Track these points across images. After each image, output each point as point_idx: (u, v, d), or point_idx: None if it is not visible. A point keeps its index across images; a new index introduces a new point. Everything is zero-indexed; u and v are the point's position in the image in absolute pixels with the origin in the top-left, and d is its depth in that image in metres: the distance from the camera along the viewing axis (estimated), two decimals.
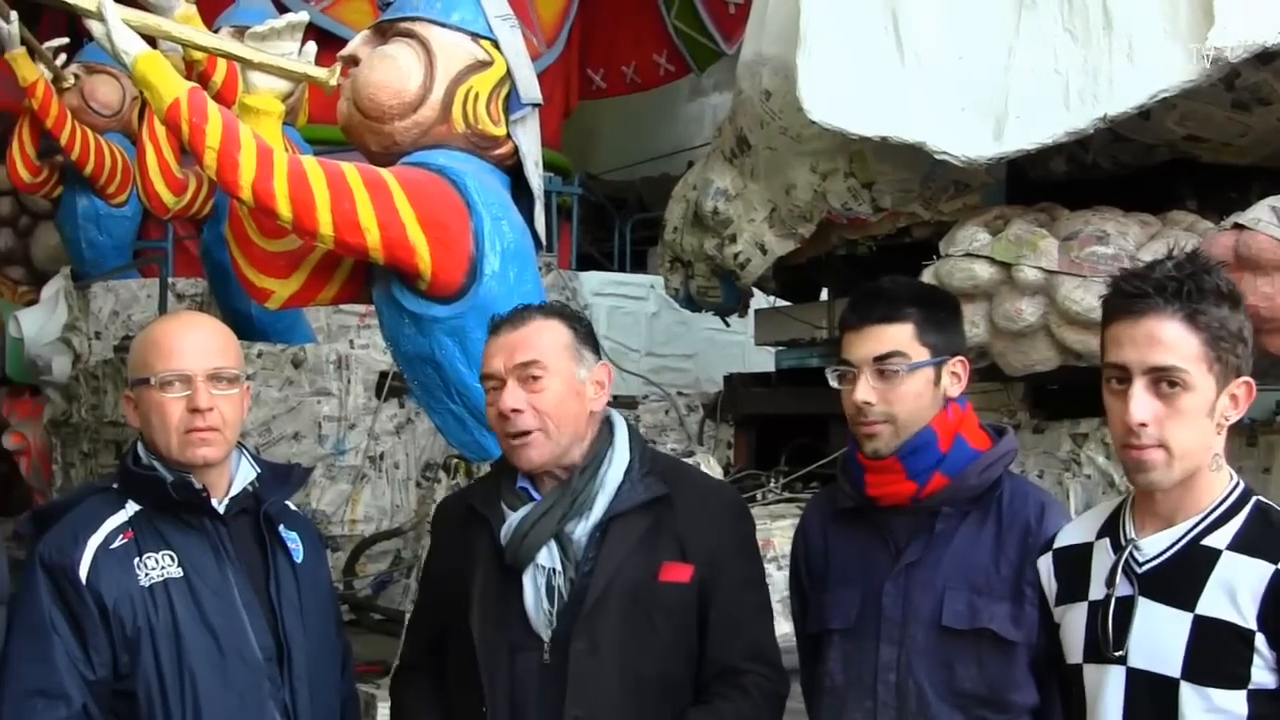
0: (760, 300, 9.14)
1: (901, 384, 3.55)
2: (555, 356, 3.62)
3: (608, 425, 3.75)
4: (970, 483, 3.57)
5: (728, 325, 9.75)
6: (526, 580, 3.56)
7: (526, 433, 3.58)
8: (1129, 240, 5.96)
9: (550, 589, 3.55)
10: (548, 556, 3.56)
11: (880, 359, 3.56)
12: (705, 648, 3.61)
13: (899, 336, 3.56)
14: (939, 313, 3.66)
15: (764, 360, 9.48)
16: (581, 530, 3.58)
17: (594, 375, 3.69)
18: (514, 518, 3.59)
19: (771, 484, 7.43)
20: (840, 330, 3.70)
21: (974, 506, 3.59)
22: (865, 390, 3.56)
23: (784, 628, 5.90)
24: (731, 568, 3.65)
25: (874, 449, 3.59)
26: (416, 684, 3.85)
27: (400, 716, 3.90)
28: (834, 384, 3.65)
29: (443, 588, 3.79)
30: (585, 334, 3.73)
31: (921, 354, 3.56)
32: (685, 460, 4.97)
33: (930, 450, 3.57)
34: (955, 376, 3.63)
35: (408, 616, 4.33)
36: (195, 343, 3.64)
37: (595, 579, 3.52)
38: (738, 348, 11.04)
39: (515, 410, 3.58)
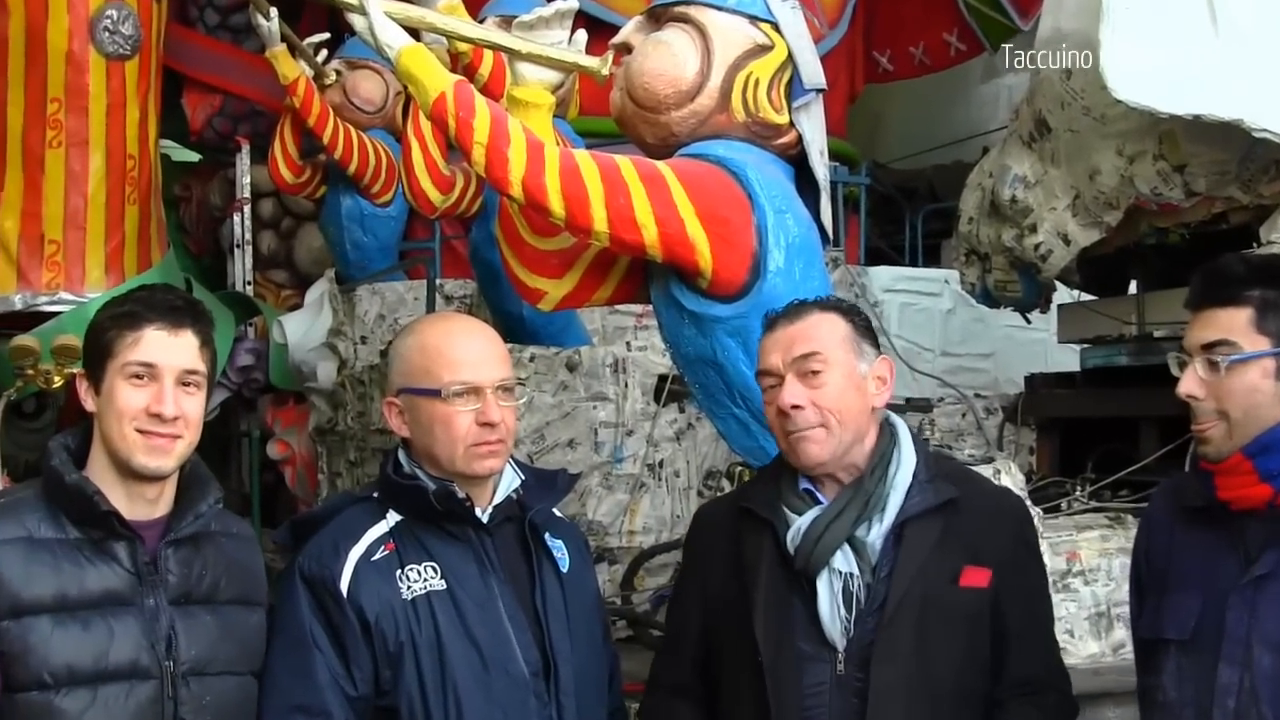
0: (1063, 294, 9.00)
1: (1231, 377, 3.36)
2: (835, 348, 3.64)
3: (888, 426, 3.75)
4: None
5: (1028, 322, 9.59)
6: (821, 585, 3.56)
7: (808, 428, 3.59)
8: None
9: (848, 594, 3.55)
10: (844, 560, 3.56)
11: (1208, 347, 3.39)
12: (1003, 659, 3.58)
13: (1231, 322, 3.37)
14: None
15: (1068, 359, 9.32)
16: (875, 534, 3.58)
17: (875, 370, 3.71)
18: (803, 520, 3.60)
19: (1077, 493, 7.30)
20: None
21: None
22: (1190, 382, 3.42)
23: (1091, 647, 5.82)
24: (1024, 576, 3.65)
25: (1204, 452, 3.44)
26: (684, 713, 3.84)
27: None
28: (1175, 372, 3.49)
29: (711, 601, 3.79)
30: (864, 327, 3.74)
31: (1258, 343, 3.35)
32: (977, 467, 4.92)
33: None
34: None
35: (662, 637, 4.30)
36: (483, 353, 3.74)
37: (895, 584, 3.51)
38: (1039, 346, 10.88)
39: (795, 406, 3.61)
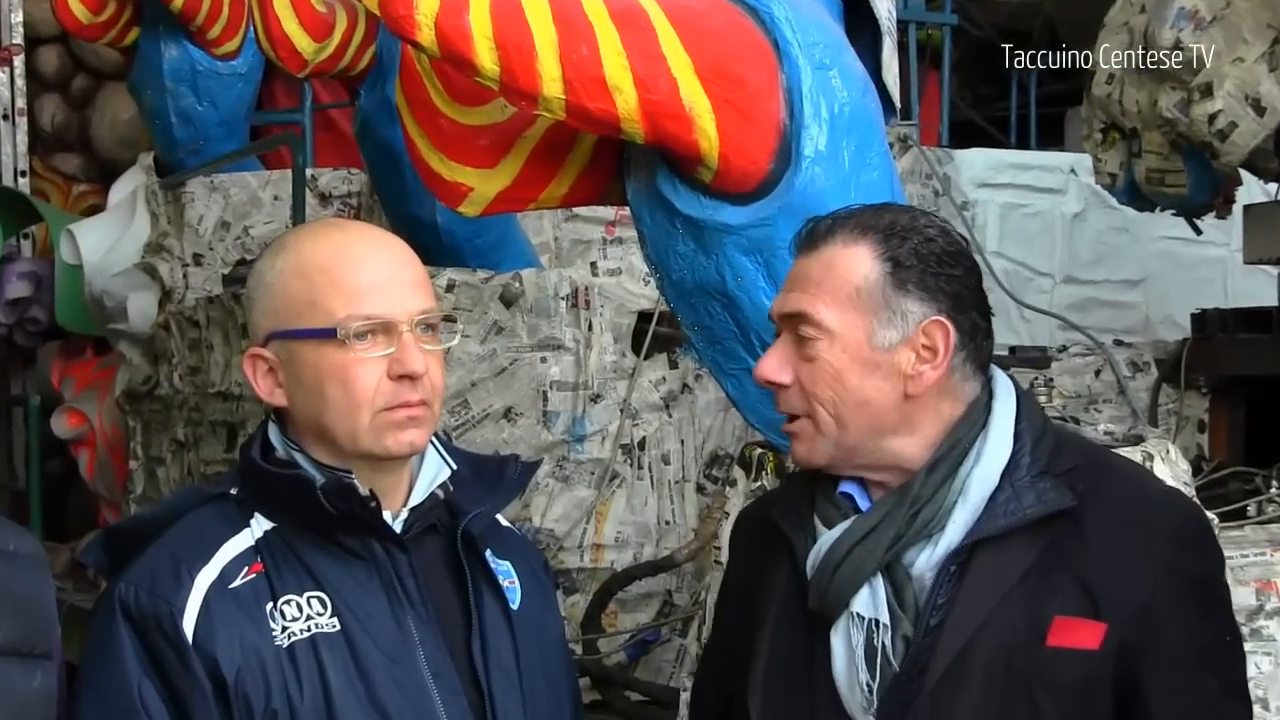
0: (1253, 191, 9.04)
1: None
2: (840, 308, 3.56)
3: (987, 395, 3.66)
4: None
5: (1198, 233, 9.63)
6: (836, 638, 3.56)
7: (794, 418, 3.59)
8: None
9: (872, 651, 3.52)
10: (869, 602, 3.53)
11: None
12: None
13: None
14: None
15: (1259, 289, 9.40)
16: (926, 561, 3.53)
17: (917, 337, 3.57)
18: (825, 539, 3.58)
19: (1272, 490, 7.36)
20: None
21: None
22: None
23: None
24: (1177, 629, 3.49)
25: None
26: None
27: None
28: None
29: (729, 642, 3.83)
30: (914, 267, 3.58)
31: None
32: (1118, 450, 4.87)
33: None
34: None
35: (692, 681, 4.34)
36: (394, 273, 3.67)
37: (945, 638, 3.46)
38: (1215, 269, 10.95)
39: (771, 381, 3.60)
